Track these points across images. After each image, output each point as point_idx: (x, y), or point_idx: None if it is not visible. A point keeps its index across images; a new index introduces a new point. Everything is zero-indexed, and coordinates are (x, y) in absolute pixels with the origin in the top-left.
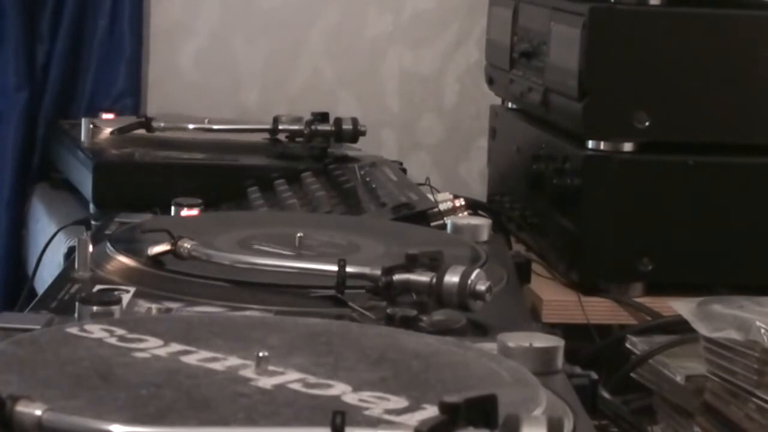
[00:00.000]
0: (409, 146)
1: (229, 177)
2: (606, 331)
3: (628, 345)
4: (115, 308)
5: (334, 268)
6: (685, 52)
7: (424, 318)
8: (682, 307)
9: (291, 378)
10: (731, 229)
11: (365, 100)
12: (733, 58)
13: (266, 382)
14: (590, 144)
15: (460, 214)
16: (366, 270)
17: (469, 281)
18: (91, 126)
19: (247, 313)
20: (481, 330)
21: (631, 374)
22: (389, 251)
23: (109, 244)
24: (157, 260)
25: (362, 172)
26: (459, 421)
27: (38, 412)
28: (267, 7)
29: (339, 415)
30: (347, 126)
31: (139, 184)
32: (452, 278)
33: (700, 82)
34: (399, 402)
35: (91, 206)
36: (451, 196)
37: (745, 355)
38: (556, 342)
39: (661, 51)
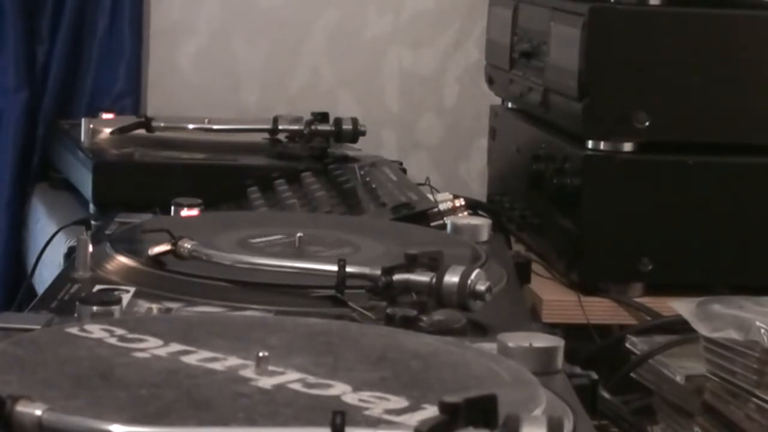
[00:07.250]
0: (409, 146)
1: (229, 177)
2: (606, 331)
3: (628, 345)
4: (115, 308)
5: (334, 268)
6: (685, 52)
7: (424, 318)
8: (682, 307)
9: (291, 378)
10: (731, 229)
11: (365, 100)
12: (733, 58)
13: (266, 382)
14: (590, 144)
15: (460, 214)
16: (366, 270)
17: (469, 281)
18: (91, 126)
19: (247, 313)
20: (480, 330)
21: (631, 374)
22: (389, 251)
23: (109, 244)
24: (157, 260)
25: (362, 172)
26: (459, 421)
27: (38, 412)
28: (267, 7)
29: (339, 415)
30: (347, 126)
31: (139, 184)
32: (452, 278)
33: (700, 82)
34: (399, 402)
35: (91, 206)
36: (451, 196)
37: (745, 355)
38: (555, 342)
39: (661, 51)
